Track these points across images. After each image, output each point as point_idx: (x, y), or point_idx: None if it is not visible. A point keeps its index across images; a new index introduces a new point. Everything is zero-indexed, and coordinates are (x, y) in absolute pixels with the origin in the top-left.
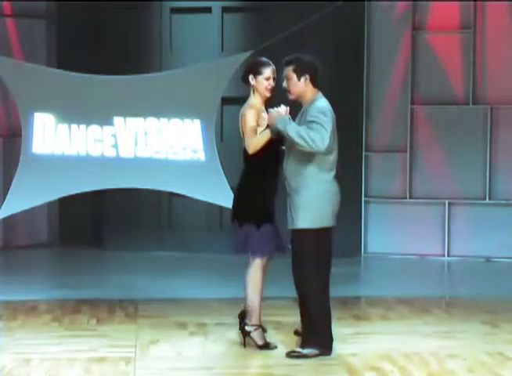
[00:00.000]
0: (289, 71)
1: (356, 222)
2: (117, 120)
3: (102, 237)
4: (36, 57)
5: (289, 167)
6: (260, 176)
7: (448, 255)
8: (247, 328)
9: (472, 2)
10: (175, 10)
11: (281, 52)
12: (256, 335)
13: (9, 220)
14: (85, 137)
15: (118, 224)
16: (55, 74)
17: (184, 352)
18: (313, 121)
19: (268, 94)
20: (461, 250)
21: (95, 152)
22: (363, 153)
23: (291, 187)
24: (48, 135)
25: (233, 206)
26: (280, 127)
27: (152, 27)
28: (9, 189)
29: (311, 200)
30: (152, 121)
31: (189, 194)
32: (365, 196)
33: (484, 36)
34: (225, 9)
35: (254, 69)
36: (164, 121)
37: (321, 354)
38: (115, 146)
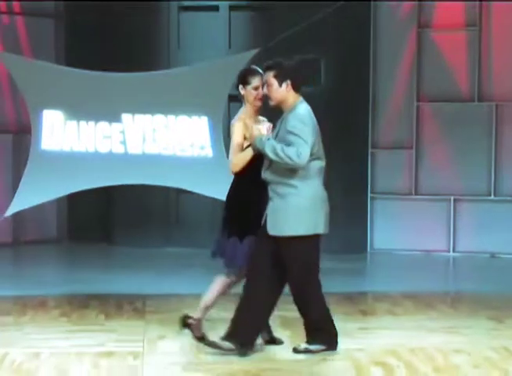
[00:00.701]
0: (269, 77)
1: (362, 219)
2: (126, 117)
3: (111, 233)
4: (45, 55)
5: (272, 172)
6: (249, 188)
7: (454, 251)
8: (188, 320)
9: (477, 2)
10: (183, 8)
11: (287, 50)
12: (194, 328)
13: (19, 216)
14: (94, 134)
15: (126, 220)
16: (64, 71)
17: (192, 347)
18: (291, 133)
19: (258, 103)
20: (466, 246)
21: (103, 148)
22: (369, 150)
23: (277, 193)
24: (57, 131)
25: (225, 218)
26: (259, 146)
27: (160, 25)
28: (18, 185)
29: (304, 206)
30: (160, 117)
31: (196, 190)
32: (371, 192)
33: (489, 33)
34: (232, 8)
35: (243, 78)
36: (171, 117)
37: (327, 349)
38: (123, 142)
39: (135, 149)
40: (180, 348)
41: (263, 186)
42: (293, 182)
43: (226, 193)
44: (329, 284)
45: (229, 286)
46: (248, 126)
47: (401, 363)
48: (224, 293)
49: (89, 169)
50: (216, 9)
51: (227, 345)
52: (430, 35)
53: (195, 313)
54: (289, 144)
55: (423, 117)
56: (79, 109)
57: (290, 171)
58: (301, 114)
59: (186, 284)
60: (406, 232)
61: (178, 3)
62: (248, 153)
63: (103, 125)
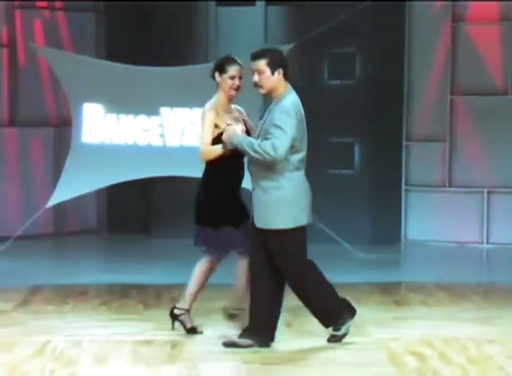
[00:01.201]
0: (261, 65)
1: (396, 210)
2: (164, 110)
3: (149, 224)
4: (85, 49)
5: (255, 165)
6: (221, 176)
7: (487, 243)
8: (176, 311)
9: None
10: (221, 4)
11: (323, 44)
12: (184, 318)
13: (60, 207)
14: (133, 127)
15: (164, 212)
16: (104, 65)
17: (228, 335)
18: (275, 125)
19: (232, 93)
20: (500, 237)
21: (142, 141)
22: (404, 143)
23: (259, 185)
24: (97, 124)
25: (197, 208)
26: (236, 143)
27: (198, 20)
28: (59, 177)
29: (287, 200)
30: (197, 111)
31: None
32: (405, 184)
33: None
34: (268, 2)
35: (220, 66)
36: None
37: (351, 318)
38: (162, 135)
39: (173, 141)
40: (217, 336)
41: (235, 174)
42: (274, 175)
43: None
44: (364, 275)
45: (210, 272)
46: (220, 115)
47: (434, 352)
48: (206, 279)
49: (128, 161)
50: (253, 3)
51: (246, 342)
52: (465, 29)
53: (181, 304)
54: (268, 137)
55: (456, 111)
56: (119, 102)
57: (271, 164)
58: (287, 106)
59: (222, 274)
60: (440, 223)
61: (216, 0)
62: (218, 150)
63: (142, 118)
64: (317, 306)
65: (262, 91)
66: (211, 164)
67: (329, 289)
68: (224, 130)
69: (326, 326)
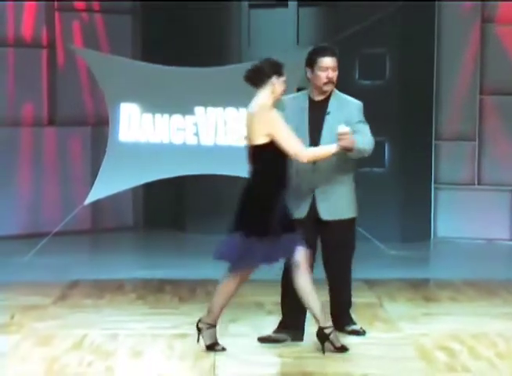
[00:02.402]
0: (336, 62)
1: (426, 208)
2: (198, 109)
3: (184, 221)
4: (122, 50)
5: (337, 160)
6: (272, 184)
7: None
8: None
9: None
10: (253, 6)
11: (354, 45)
12: (209, 334)
13: (97, 204)
14: (168, 126)
15: (198, 208)
16: (140, 66)
17: (262, 330)
18: (362, 122)
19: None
20: None
21: (177, 140)
22: (433, 142)
23: (336, 179)
24: (134, 123)
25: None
26: (360, 145)
27: (231, 22)
28: (97, 175)
29: (353, 192)
30: (231, 110)
31: None
32: (434, 183)
33: None
34: (300, 4)
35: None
36: (242, 110)
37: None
38: (196, 134)
39: (207, 140)
40: (251, 331)
41: (282, 182)
42: (350, 167)
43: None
44: (394, 271)
45: (239, 285)
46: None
47: (464, 347)
48: (233, 294)
49: (164, 160)
50: (285, 5)
51: (281, 336)
52: (494, 30)
53: (207, 318)
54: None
55: (485, 110)
56: (154, 102)
57: (345, 160)
58: (360, 104)
59: (256, 270)
60: (469, 221)
61: (249, 1)
62: (329, 151)
63: (177, 118)
64: (342, 301)
65: (331, 88)
66: (263, 170)
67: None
68: (339, 132)
69: (355, 322)
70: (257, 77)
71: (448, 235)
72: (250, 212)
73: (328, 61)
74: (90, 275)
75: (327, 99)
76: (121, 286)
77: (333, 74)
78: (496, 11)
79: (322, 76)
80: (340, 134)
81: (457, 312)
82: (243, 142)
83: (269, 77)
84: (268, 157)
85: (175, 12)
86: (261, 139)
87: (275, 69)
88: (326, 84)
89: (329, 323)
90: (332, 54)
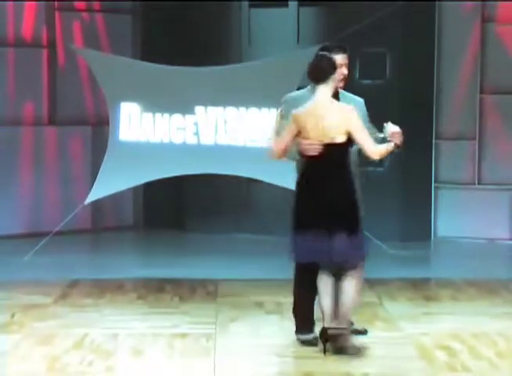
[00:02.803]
0: (347, 59)
1: (426, 207)
2: (199, 109)
3: (184, 220)
4: (122, 50)
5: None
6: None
7: None
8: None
9: None
10: (254, 5)
11: (354, 44)
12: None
13: (97, 204)
14: (168, 125)
15: (198, 208)
16: (141, 65)
17: (262, 329)
18: (369, 121)
19: (340, 84)
20: None
21: (177, 139)
22: (433, 141)
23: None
24: (134, 123)
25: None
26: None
27: (231, 21)
28: (97, 174)
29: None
30: (231, 109)
31: (265, 180)
32: (435, 182)
33: None
34: (301, 3)
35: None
36: (242, 109)
37: None
38: (196, 133)
39: (207, 140)
40: (251, 330)
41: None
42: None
43: (344, 188)
44: (394, 271)
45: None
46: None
47: (464, 347)
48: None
49: (164, 159)
50: (285, 4)
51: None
52: (494, 29)
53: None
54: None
55: (486, 109)
56: (155, 101)
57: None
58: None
59: (256, 269)
60: (469, 220)
61: (249, 1)
62: (389, 149)
63: (177, 117)
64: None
65: (342, 84)
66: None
67: None
68: (392, 131)
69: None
70: (321, 75)
71: (448, 234)
72: (354, 210)
73: (342, 58)
74: (90, 274)
75: (336, 97)
76: (122, 285)
77: (346, 71)
78: (496, 11)
79: (338, 73)
80: (393, 133)
81: (457, 311)
82: (242, 142)
83: (331, 74)
84: (347, 154)
85: (175, 12)
86: (341, 137)
87: (334, 65)
88: (340, 80)
89: (334, 324)
90: (345, 51)
